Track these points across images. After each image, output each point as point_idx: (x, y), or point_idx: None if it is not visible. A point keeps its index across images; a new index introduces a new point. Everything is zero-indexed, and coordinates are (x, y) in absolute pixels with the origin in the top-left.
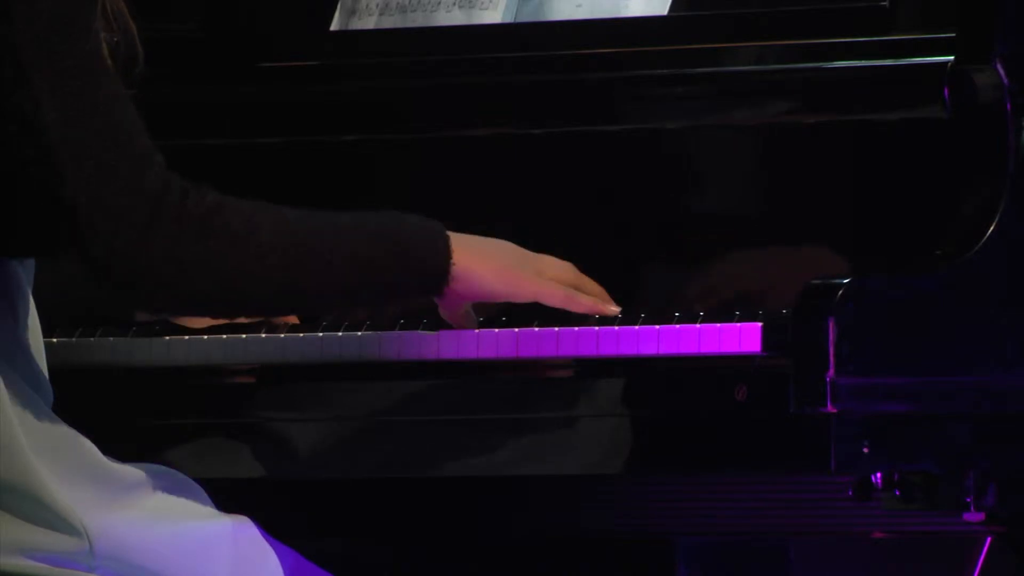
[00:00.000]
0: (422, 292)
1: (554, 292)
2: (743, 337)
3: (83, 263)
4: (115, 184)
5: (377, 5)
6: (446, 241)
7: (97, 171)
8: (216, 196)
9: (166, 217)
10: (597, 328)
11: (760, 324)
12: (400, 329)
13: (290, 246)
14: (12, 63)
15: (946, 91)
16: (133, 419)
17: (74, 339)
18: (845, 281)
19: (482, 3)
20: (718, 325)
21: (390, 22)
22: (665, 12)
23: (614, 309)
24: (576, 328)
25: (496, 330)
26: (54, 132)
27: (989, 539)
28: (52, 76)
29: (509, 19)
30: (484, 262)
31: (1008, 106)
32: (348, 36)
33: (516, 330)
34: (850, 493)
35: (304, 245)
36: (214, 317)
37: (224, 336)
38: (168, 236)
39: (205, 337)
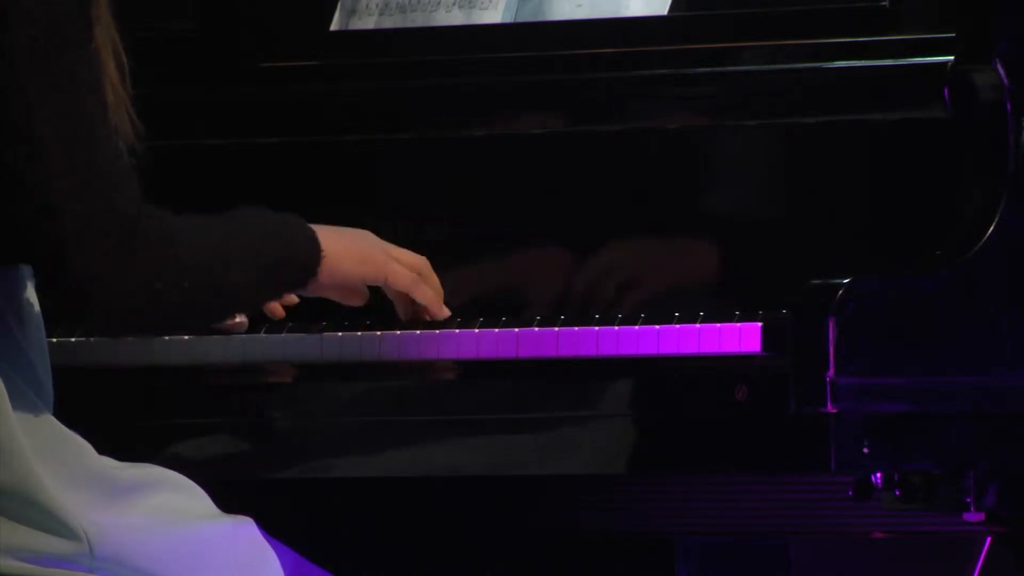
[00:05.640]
0: (296, 287)
1: (403, 275)
2: (743, 337)
3: (58, 276)
4: (99, 203)
5: (377, 5)
6: (314, 233)
7: (84, 187)
8: (169, 219)
9: (139, 241)
10: (597, 328)
11: (760, 324)
12: (400, 329)
13: (221, 262)
14: (7, 69)
15: (946, 91)
16: (133, 419)
17: (74, 339)
18: (845, 281)
19: (482, 3)
20: (718, 325)
21: (390, 22)
22: (665, 12)
23: (445, 312)
24: (576, 328)
25: (496, 330)
26: (47, 142)
27: (989, 539)
28: (46, 86)
29: (509, 19)
30: (342, 248)
31: (1008, 106)
32: (348, 36)
33: (516, 330)
34: (850, 493)
35: (230, 261)
36: (157, 333)
37: (224, 336)
38: (140, 260)
39: (205, 337)
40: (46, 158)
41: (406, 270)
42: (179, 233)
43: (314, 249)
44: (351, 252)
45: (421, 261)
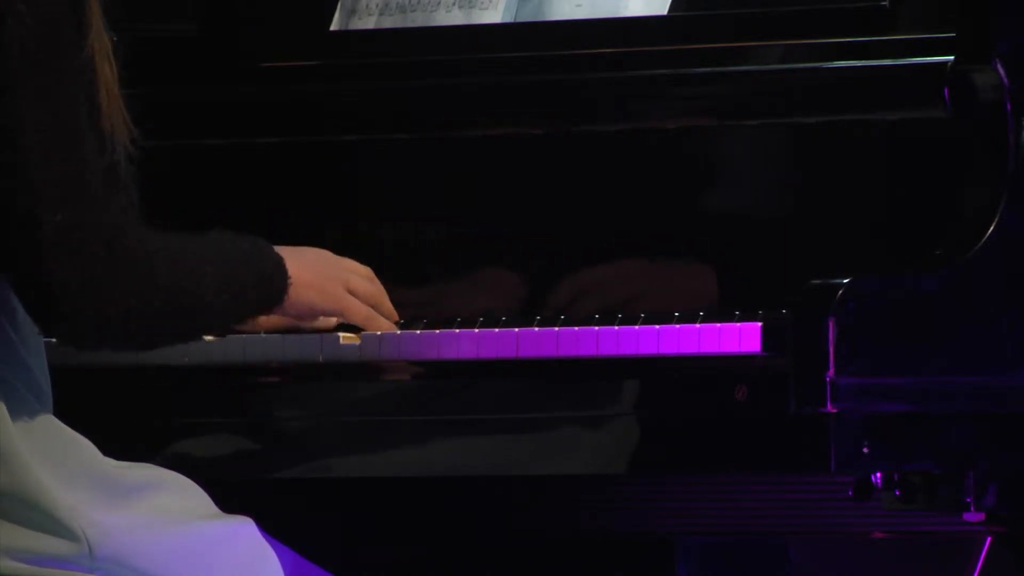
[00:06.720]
0: (264, 312)
1: (358, 311)
2: (743, 337)
3: (33, 285)
4: (81, 214)
5: (377, 5)
6: (282, 260)
7: (67, 198)
8: (150, 236)
9: (119, 256)
10: (597, 328)
11: (760, 324)
12: (401, 329)
13: (196, 283)
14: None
15: (946, 91)
16: (132, 419)
17: None
18: (845, 281)
19: (482, 3)
20: (718, 325)
21: (390, 22)
22: (665, 12)
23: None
24: (576, 328)
25: (496, 330)
26: (33, 150)
27: (989, 539)
28: (38, 91)
29: (509, 19)
30: (305, 277)
31: (1008, 106)
32: (348, 36)
33: (516, 330)
34: (850, 493)
35: (205, 283)
36: (123, 349)
37: (224, 336)
38: (117, 275)
39: (205, 337)
40: (32, 165)
41: (361, 307)
42: (158, 251)
43: (282, 275)
44: (313, 283)
45: (370, 279)
